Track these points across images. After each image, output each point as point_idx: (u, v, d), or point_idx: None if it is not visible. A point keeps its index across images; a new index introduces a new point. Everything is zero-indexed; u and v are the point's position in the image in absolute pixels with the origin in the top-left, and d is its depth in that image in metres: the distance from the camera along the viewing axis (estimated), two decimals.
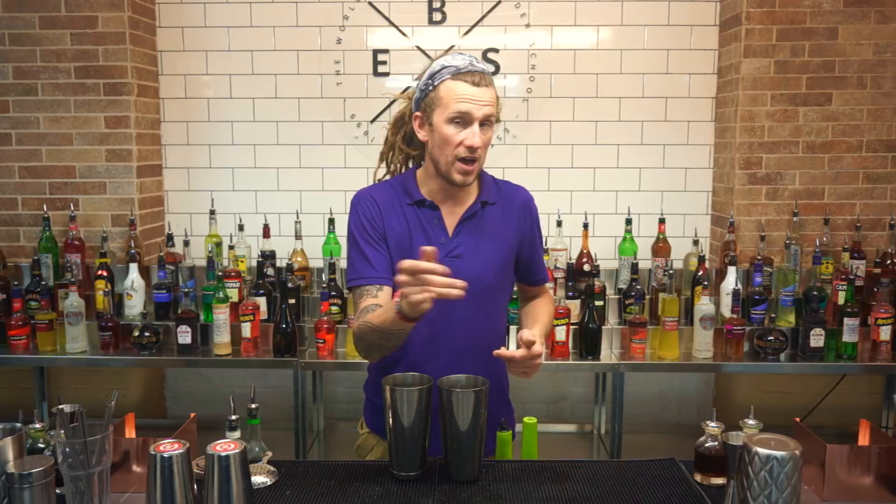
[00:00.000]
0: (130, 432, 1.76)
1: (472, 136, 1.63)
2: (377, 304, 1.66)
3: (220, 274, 3.03)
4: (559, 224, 3.28)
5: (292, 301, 3.01)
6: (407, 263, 1.45)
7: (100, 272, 3.12)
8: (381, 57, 3.50)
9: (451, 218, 1.76)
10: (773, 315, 2.94)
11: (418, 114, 1.73)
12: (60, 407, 1.42)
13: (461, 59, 1.67)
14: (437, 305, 1.65)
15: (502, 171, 3.52)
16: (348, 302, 3.05)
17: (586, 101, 3.52)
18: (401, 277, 1.45)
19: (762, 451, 1.28)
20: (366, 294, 1.71)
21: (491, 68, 1.75)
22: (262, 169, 3.59)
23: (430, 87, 1.67)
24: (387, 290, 1.70)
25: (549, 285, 2.28)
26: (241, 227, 3.32)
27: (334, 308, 3.05)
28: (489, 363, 1.77)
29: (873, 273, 3.09)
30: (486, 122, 1.66)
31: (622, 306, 3.15)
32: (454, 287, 1.44)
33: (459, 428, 1.53)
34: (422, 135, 1.73)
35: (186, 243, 3.20)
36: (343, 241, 3.28)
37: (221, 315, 2.89)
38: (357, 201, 1.78)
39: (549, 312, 1.96)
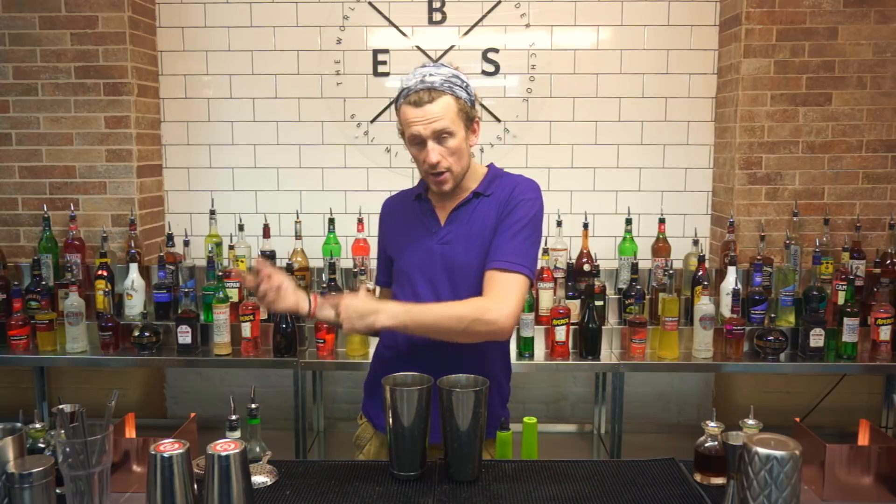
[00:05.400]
0: (130, 432, 1.76)
1: (427, 154, 1.72)
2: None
3: (220, 274, 3.03)
4: (559, 224, 3.28)
5: None
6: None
7: (100, 272, 3.12)
8: (381, 57, 3.50)
9: (445, 208, 1.85)
10: (772, 315, 2.94)
11: (401, 135, 1.84)
12: (60, 407, 1.42)
13: (412, 79, 1.72)
14: (427, 288, 1.81)
15: None
16: None
17: (586, 101, 3.52)
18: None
19: (762, 450, 1.28)
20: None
21: (447, 73, 1.71)
22: (262, 169, 3.59)
23: (397, 113, 1.78)
24: (381, 290, 2.02)
25: (505, 284, 1.70)
26: (241, 227, 3.32)
27: None
28: (482, 354, 1.81)
29: (873, 273, 3.09)
30: (442, 135, 1.71)
31: (622, 306, 3.15)
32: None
33: (459, 428, 1.53)
34: (409, 153, 1.84)
35: (186, 243, 3.21)
36: (343, 241, 3.33)
37: (221, 315, 2.89)
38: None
39: (454, 313, 1.67)
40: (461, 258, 1.79)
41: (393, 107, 1.83)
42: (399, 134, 1.82)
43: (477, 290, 1.77)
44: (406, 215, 1.90)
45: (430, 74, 1.70)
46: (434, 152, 1.71)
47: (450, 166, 1.74)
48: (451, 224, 1.82)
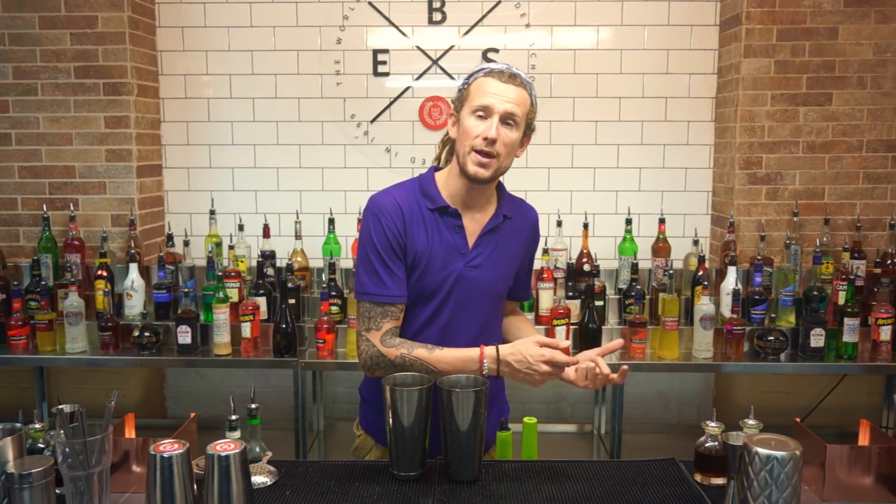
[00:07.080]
0: (130, 432, 1.76)
1: (490, 128, 1.65)
2: (398, 333, 1.73)
3: (220, 274, 3.03)
4: (559, 224, 3.28)
5: (292, 301, 3.01)
6: (552, 357, 1.61)
7: (100, 272, 3.12)
8: (381, 57, 3.50)
9: (472, 226, 1.77)
10: (773, 315, 2.94)
11: (452, 113, 1.77)
12: (60, 407, 1.42)
13: (499, 64, 1.72)
14: (451, 311, 1.75)
15: None
16: (348, 302, 3.05)
17: (586, 101, 3.52)
18: (544, 367, 1.61)
19: (762, 451, 1.28)
20: (389, 315, 1.71)
21: (532, 78, 1.76)
22: (262, 169, 3.59)
23: (465, 86, 1.74)
24: (402, 307, 1.73)
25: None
26: (241, 227, 3.32)
27: (334, 308, 3.05)
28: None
29: (873, 273, 3.09)
30: (509, 121, 1.67)
31: (622, 306, 3.15)
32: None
33: (459, 428, 1.53)
34: (452, 131, 1.76)
35: (186, 243, 3.20)
36: (343, 241, 3.31)
37: (221, 315, 2.89)
38: (380, 210, 1.71)
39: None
40: (488, 283, 1.76)
41: (466, 81, 1.74)
42: (453, 112, 1.74)
43: (494, 314, 1.82)
44: (428, 226, 1.72)
45: (517, 69, 1.72)
46: (495, 129, 1.65)
47: (500, 153, 1.68)
48: (479, 247, 1.75)
